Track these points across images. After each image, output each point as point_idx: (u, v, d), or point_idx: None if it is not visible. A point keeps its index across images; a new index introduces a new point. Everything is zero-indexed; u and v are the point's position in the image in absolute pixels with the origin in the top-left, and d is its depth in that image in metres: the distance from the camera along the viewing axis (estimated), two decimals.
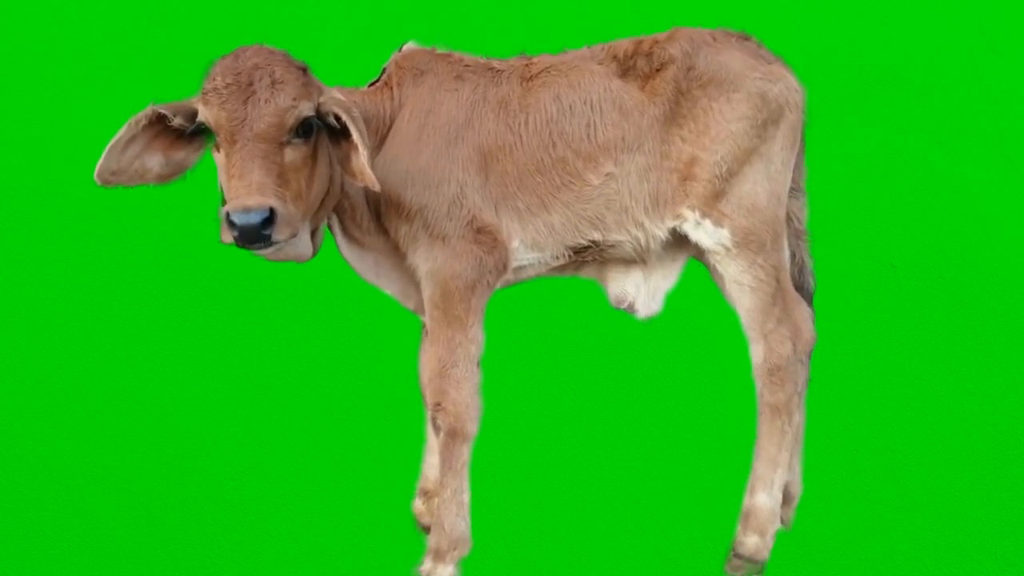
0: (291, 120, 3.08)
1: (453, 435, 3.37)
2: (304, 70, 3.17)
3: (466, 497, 3.42)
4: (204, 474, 3.90)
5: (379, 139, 3.40)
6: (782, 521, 3.59)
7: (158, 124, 3.16)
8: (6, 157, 4.07)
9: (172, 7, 4.13)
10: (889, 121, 4.06)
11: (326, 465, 3.91)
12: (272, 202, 3.02)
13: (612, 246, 3.46)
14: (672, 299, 3.58)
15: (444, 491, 3.40)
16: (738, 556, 3.51)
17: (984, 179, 4.06)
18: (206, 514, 3.86)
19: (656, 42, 3.43)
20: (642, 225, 3.43)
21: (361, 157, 3.10)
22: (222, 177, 3.14)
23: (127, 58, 4.09)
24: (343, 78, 3.44)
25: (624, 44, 3.46)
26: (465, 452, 3.40)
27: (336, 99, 3.17)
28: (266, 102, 3.06)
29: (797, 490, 3.68)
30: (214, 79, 3.09)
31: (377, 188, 3.13)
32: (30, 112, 4.08)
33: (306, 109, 3.11)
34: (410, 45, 3.50)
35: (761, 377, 3.48)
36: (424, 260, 3.37)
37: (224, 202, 3.13)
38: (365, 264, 3.51)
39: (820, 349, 3.73)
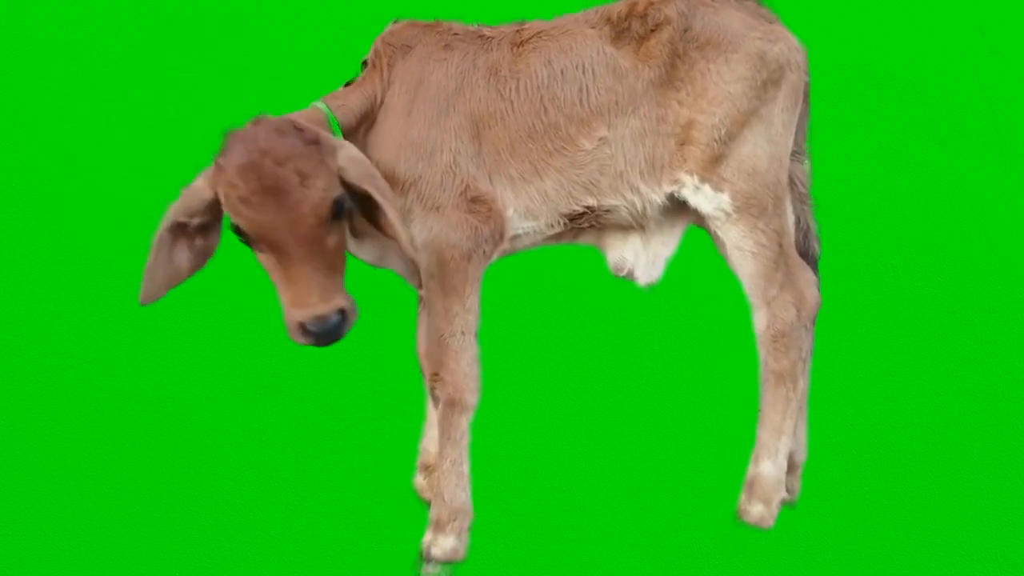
0: (325, 211, 3.00)
1: (452, 405, 3.36)
2: (316, 142, 3.02)
3: (466, 468, 3.41)
4: (204, 474, 3.90)
5: (371, 121, 3.37)
6: (787, 490, 3.56)
7: (176, 228, 3.11)
8: (6, 157, 4.08)
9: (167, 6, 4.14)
10: (889, 121, 4.06)
11: (326, 447, 3.90)
12: (340, 302, 3.03)
13: (608, 211, 3.44)
14: (674, 266, 3.56)
15: (443, 462, 3.39)
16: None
17: (984, 179, 4.05)
18: (206, 514, 3.85)
19: (651, 3, 3.39)
20: (638, 190, 3.40)
21: (396, 224, 3.09)
22: (271, 275, 3.08)
23: (125, 57, 4.11)
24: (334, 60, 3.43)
25: (618, 6, 3.43)
26: (464, 423, 3.38)
27: (355, 168, 3.08)
28: (300, 203, 2.95)
29: (801, 458, 3.66)
30: (237, 186, 2.95)
31: (412, 253, 3.16)
32: (30, 112, 4.09)
33: (335, 192, 3.03)
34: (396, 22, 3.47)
35: (765, 344, 3.45)
36: (419, 231, 3.34)
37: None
38: (363, 250, 3.47)
39: (820, 349, 3.73)
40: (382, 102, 3.37)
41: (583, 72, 3.36)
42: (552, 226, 3.43)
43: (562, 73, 3.35)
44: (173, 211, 3.06)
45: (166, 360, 3.97)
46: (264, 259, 3.06)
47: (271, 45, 4.11)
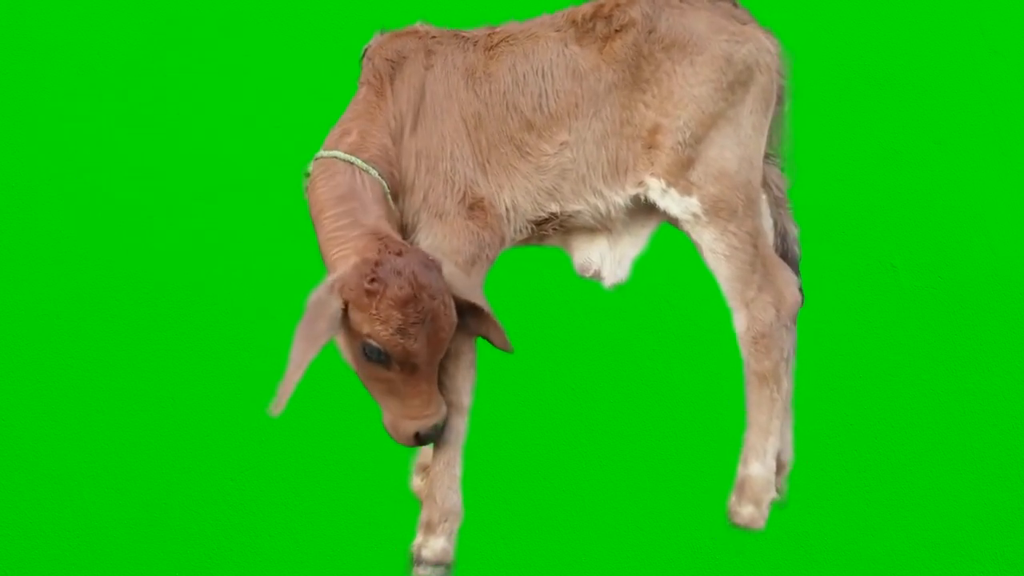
0: (454, 331, 3.19)
1: (448, 407, 3.34)
2: (440, 270, 3.16)
3: (458, 470, 3.41)
4: (204, 474, 3.90)
5: (394, 142, 3.39)
6: (776, 490, 3.55)
7: None
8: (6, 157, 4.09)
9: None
10: (889, 121, 4.06)
11: (325, 448, 3.90)
12: (444, 408, 3.24)
13: (571, 216, 3.45)
14: (660, 266, 3.58)
15: (437, 464, 3.40)
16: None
17: (984, 179, 4.05)
18: (206, 514, 3.86)
19: (617, 5, 3.39)
20: (600, 193, 3.41)
21: (499, 329, 3.27)
22: (387, 388, 3.18)
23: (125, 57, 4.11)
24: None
25: (584, 8, 3.43)
26: (460, 424, 3.39)
27: (459, 283, 3.21)
28: (444, 329, 3.13)
29: (788, 458, 3.64)
30: (395, 317, 3.07)
31: (511, 349, 3.29)
32: (30, 112, 4.10)
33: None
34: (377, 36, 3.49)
35: (746, 345, 3.45)
36: (424, 236, 3.36)
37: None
38: None
39: (821, 350, 3.72)
40: (397, 121, 3.39)
41: (543, 77, 3.36)
42: (520, 232, 3.44)
43: (524, 79, 3.37)
44: (325, 334, 3.10)
45: (166, 360, 3.98)
46: (387, 376, 3.15)
47: (268, 44, 4.11)
